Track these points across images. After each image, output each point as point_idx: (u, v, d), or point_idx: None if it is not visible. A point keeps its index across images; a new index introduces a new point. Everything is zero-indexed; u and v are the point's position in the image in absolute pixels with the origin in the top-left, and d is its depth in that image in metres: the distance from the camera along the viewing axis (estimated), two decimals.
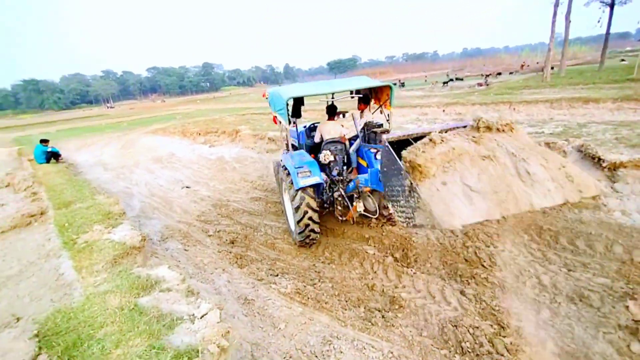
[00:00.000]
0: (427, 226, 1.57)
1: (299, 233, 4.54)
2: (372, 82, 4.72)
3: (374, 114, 5.38)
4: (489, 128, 1.82)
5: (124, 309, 2.36)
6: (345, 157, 5.11)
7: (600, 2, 22.31)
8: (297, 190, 4.30)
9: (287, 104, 4.60)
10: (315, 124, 5.89)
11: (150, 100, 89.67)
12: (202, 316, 2.26)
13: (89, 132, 23.52)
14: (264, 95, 5.36)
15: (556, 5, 20.06)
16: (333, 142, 5.00)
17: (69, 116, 52.26)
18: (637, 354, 2.61)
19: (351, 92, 5.34)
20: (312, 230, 4.51)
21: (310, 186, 4.38)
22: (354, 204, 4.55)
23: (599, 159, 5.10)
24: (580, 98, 12.04)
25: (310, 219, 4.39)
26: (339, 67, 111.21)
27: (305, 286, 3.96)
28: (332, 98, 5.71)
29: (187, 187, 8.76)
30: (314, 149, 5.21)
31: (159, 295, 2.55)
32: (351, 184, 4.67)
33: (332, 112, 5.30)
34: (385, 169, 2.32)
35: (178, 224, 6.26)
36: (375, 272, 4.15)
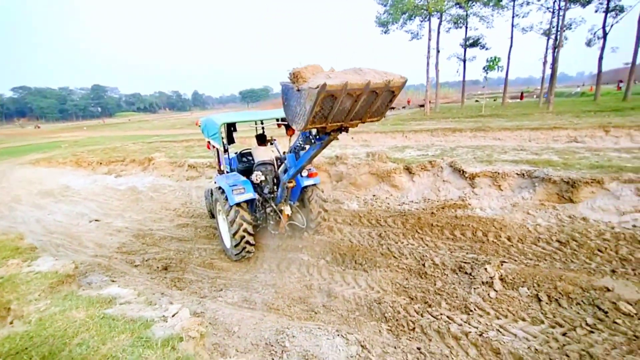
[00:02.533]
0: (306, 102, 2.54)
1: (235, 246, 4.89)
2: None
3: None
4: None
5: (93, 318, 2.32)
6: (275, 177, 5.70)
7: (457, 57, 29.33)
8: (232, 206, 4.70)
9: (220, 130, 5.07)
10: (247, 150, 6.36)
11: (17, 126, 73.50)
12: (174, 315, 2.43)
13: None
14: (196, 124, 5.68)
15: (428, 57, 25.61)
16: (264, 164, 5.55)
17: None
18: (493, 298, 3.81)
19: (277, 120, 6.06)
20: (247, 242, 4.92)
21: (245, 202, 4.81)
22: (282, 209, 5.12)
23: (463, 171, 6.94)
24: (450, 128, 15.43)
25: (245, 231, 4.83)
26: (251, 97, 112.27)
27: (250, 294, 4.28)
28: (262, 127, 6.34)
29: (96, 220, 7.93)
30: (246, 173, 5.66)
31: (122, 307, 2.56)
32: (279, 193, 5.16)
33: (262, 139, 5.92)
34: (286, 103, 2.94)
35: (95, 258, 5.72)
36: (311, 274, 4.74)
